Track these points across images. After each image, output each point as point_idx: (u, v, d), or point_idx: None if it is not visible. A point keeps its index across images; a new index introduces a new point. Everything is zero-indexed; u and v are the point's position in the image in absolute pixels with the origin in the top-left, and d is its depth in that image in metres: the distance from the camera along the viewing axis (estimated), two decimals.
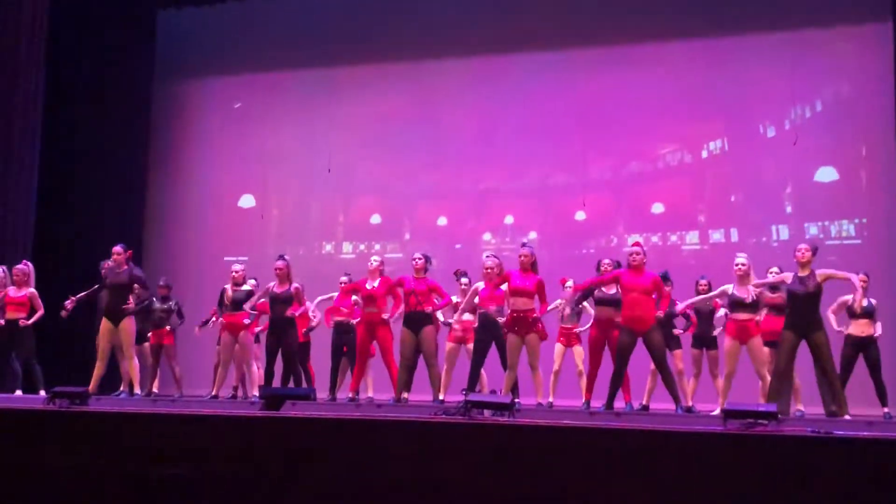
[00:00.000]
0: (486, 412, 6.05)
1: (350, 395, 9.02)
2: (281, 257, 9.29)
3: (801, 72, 11.97)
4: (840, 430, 5.35)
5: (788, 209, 12.20)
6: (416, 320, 8.70)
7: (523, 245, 8.57)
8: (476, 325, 8.83)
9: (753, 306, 8.17)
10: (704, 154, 12.66)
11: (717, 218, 12.47)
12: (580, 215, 12.91)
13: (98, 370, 9.11)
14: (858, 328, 8.58)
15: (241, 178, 14.40)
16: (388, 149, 13.73)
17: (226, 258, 13.39)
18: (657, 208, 12.72)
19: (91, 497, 6.15)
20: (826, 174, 11.97)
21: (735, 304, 8.20)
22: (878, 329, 8.65)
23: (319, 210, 14.25)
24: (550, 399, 9.17)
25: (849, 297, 8.54)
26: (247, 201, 14.33)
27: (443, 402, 8.34)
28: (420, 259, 8.88)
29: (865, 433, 5.40)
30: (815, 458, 4.98)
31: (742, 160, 12.45)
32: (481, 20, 13.07)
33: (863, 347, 8.55)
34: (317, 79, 13.99)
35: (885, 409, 8.50)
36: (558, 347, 9.43)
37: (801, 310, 7.64)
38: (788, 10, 12.02)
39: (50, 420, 6.77)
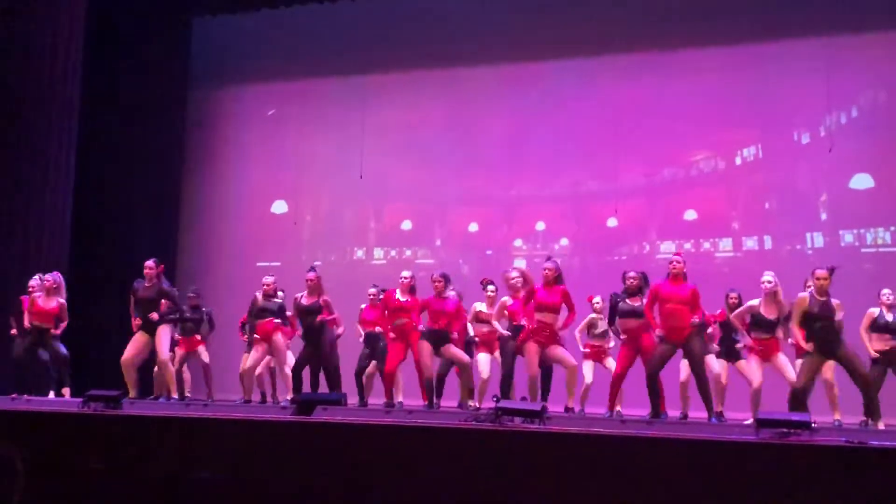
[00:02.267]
0: (517, 419, 6.04)
1: (385, 401, 9.03)
2: (312, 269, 9.30)
3: (838, 78, 11.85)
4: (875, 440, 5.28)
5: (823, 216, 12.07)
6: (439, 338, 8.62)
7: (548, 259, 8.47)
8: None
9: (775, 325, 8.12)
10: (738, 161, 12.56)
11: (751, 225, 12.36)
12: (612, 222, 12.85)
13: (129, 377, 9.22)
14: (883, 342, 8.47)
15: (274, 185, 14.50)
16: (419, 155, 13.78)
17: (258, 264, 13.50)
18: (690, 215, 12.64)
19: (124, 499, 6.22)
20: (862, 181, 11.83)
21: (758, 324, 8.15)
22: None
23: (351, 216, 14.30)
24: (581, 407, 9.10)
25: (875, 311, 8.50)
26: (280, 207, 14.43)
27: (478, 409, 8.31)
28: (440, 281, 8.78)
29: None
30: (850, 468, 4.93)
31: (776, 167, 12.34)
32: (513, 27, 13.07)
33: (890, 362, 8.43)
34: (349, 86, 14.05)
35: None
36: (587, 364, 9.32)
37: (824, 335, 7.49)
38: (824, 15, 11.91)
39: (85, 423, 6.85)
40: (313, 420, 6.74)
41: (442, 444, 5.79)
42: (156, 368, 9.85)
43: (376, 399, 9.59)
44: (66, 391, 9.52)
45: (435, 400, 8.76)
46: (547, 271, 8.21)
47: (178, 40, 14.38)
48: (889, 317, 8.45)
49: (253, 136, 14.69)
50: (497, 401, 6.77)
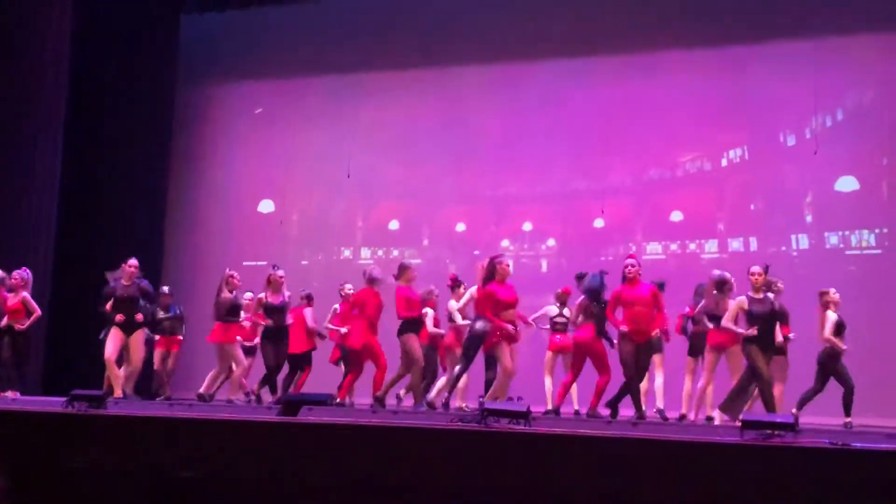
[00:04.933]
0: (503, 420, 6.04)
1: (374, 396, 9.07)
2: (275, 267, 9.51)
3: (823, 80, 11.90)
4: (858, 442, 5.31)
5: (809, 218, 12.12)
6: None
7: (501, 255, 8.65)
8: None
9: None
10: (724, 162, 12.61)
11: (737, 226, 12.41)
12: (599, 222, 12.89)
13: (113, 374, 9.21)
14: (843, 342, 8.61)
15: (261, 183, 14.47)
16: (407, 154, 13.76)
17: (245, 263, 13.44)
18: (676, 216, 12.68)
19: (109, 499, 6.19)
20: (847, 183, 11.89)
21: (713, 318, 8.30)
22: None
23: (339, 215, 14.28)
24: (576, 406, 9.20)
25: (833, 315, 8.60)
26: (266, 206, 14.39)
27: (464, 409, 8.38)
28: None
29: (884, 445, 5.35)
30: (833, 469, 4.95)
31: (762, 169, 12.39)
32: (504, 27, 13.07)
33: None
34: (337, 85, 14.03)
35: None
36: (549, 355, 9.41)
37: (764, 329, 7.66)
38: (811, 18, 11.96)
39: (69, 423, 6.81)
40: (299, 421, 6.73)
41: (428, 444, 5.79)
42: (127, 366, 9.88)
43: (363, 399, 9.62)
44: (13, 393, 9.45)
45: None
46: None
47: (165, 38, 14.29)
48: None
49: (240, 134, 14.65)
50: (482, 402, 6.78)
